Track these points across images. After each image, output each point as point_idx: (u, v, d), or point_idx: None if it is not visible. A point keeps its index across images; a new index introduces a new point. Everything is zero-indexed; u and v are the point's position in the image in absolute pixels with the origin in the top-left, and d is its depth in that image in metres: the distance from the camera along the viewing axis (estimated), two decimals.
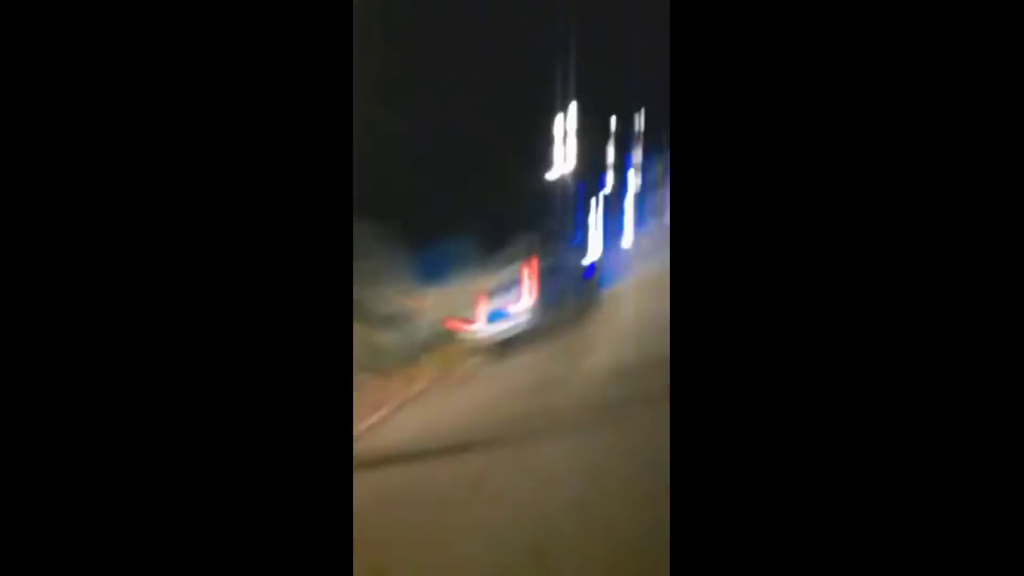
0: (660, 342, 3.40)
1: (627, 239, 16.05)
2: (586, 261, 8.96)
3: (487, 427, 3.53)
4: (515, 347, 6.66)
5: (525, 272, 6.69)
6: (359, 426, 4.70)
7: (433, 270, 8.07)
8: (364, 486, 2.36)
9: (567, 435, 2.77)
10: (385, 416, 5.25)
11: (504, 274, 7.24)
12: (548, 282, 6.69)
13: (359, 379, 5.25)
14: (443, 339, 7.27)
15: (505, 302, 6.46)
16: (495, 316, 6.52)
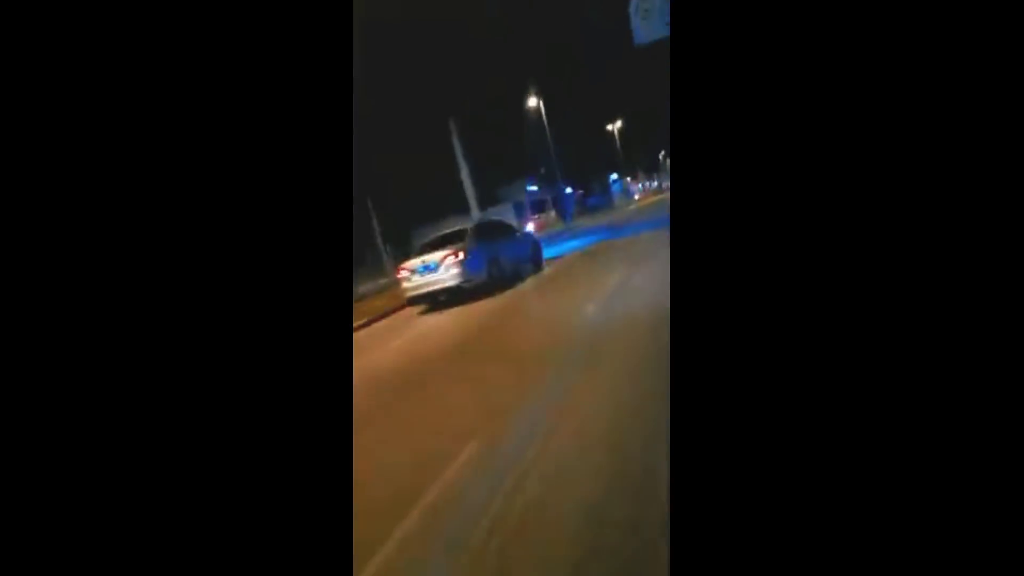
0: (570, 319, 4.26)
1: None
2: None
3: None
4: (439, 299, 7.42)
5: (464, 239, 7.35)
6: None
7: None
8: None
9: None
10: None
11: (445, 234, 7.93)
12: (479, 251, 7.34)
13: None
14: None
15: (437, 259, 7.15)
16: (425, 269, 7.24)
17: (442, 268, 7.14)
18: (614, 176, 48.77)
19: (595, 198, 40.91)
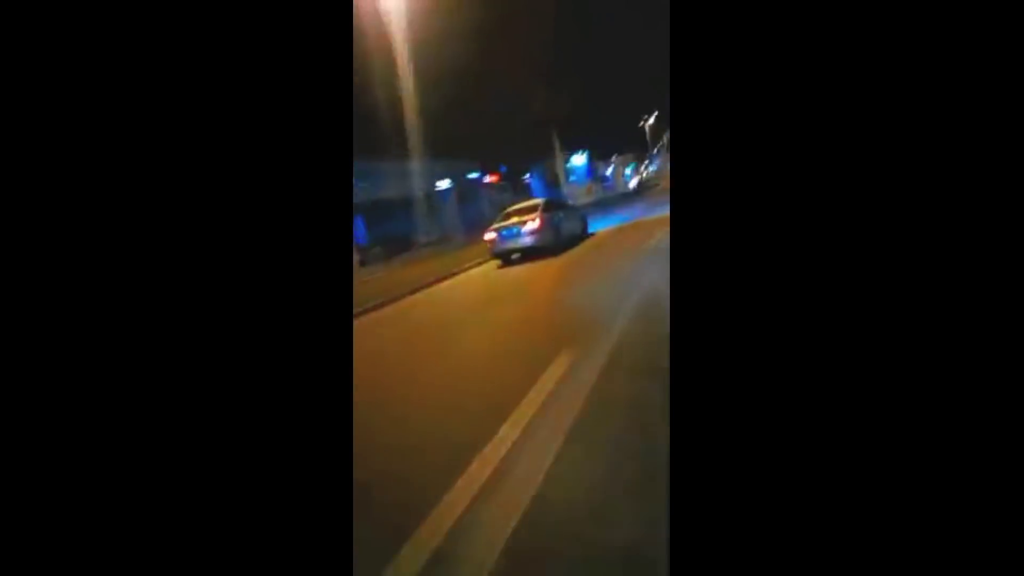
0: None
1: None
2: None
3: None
4: (518, 258, 9.76)
5: (538, 209, 9.69)
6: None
7: None
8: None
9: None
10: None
11: (521, 207, 10.28)
12: (549, 219, 9.71)
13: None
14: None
15: (517, 224, 9.46)
16: (508, 232, 9.54)
17: (523, 232, 9.46)
18: (577, 157, 33.63)
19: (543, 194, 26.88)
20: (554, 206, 10.49)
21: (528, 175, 30.22)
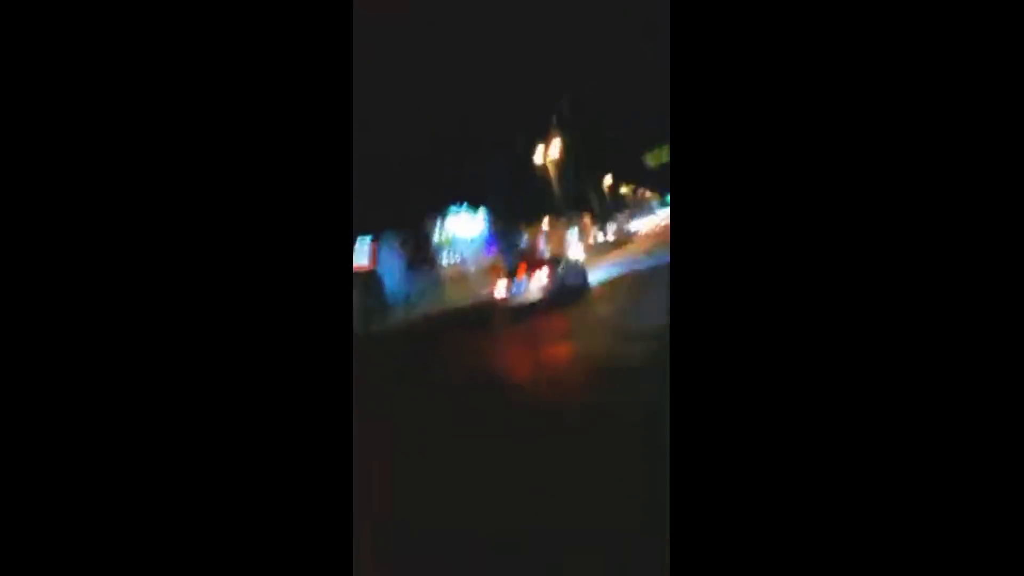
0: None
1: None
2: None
3: None
4: (527, 312, 10.06)
5: (544, 266, 10.20)
6: None
7: None
8: None
9: None
10: None
11: (527, 262, 10.78)
12: (555, 274, 10.25)
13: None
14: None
15: (526, 280, 9.86)
16: (518, 288, 9.87)
17: (529, 287, 9.87)
18: (465, 219, 19.56)
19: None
20: (558, 262, 11.13)
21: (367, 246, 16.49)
